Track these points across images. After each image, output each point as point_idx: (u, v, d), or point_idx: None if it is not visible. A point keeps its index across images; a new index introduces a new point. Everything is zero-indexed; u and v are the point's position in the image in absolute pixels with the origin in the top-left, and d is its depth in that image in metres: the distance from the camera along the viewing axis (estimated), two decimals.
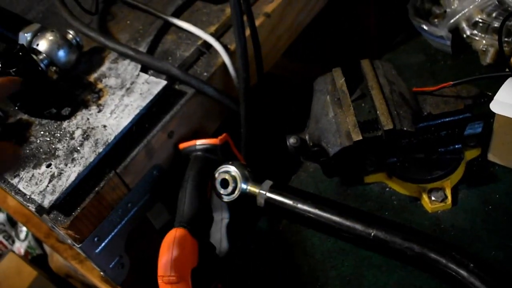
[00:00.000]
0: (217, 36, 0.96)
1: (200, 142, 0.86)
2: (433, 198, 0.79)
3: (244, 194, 0.82)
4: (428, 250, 0.70)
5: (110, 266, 0.85)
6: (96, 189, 0.79)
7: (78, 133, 0.84)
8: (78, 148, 0.82)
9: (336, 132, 0.71)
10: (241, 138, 0.92)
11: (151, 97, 0.85)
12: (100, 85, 0.91)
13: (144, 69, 0.92)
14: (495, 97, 0.69)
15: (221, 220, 0.88)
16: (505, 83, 0.69)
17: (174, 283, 0.74)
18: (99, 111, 0.86)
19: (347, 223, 0.74)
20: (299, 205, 0.78)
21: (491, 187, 0.79)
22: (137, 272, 0.91)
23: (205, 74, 0.91)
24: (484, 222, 0.76)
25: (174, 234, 0.77)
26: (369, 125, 0.75)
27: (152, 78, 0.89)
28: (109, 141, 0.82)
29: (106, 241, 0.83)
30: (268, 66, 1.02)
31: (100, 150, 0.81)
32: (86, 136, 0.83)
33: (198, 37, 0.95)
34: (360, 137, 0.69)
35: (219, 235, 0.87)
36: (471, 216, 0.77)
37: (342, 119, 0.72)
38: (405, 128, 0.69)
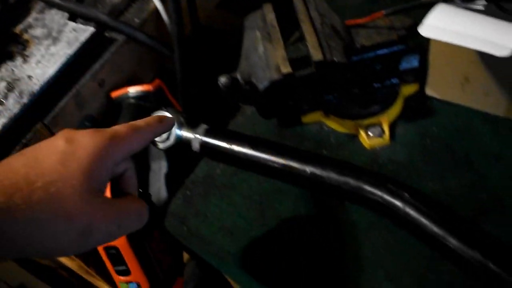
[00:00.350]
0: None
1: (132, 89, 0.84)
2: (370, 134, 0.77)
3: (180, 140, 0.80)
4: (363, 183, 0.68)
5: None
6: (23, 141, 0.76)
7: (1, 85, 0.80)
8: (2, 100, 0.78)
9: (265, 66, 0.69)
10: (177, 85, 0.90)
11: (78, 45, 0.82)
12: (26, 36, 0.87)
13: (73, 18, 0.88)
14: (424, 22, 0.67)
15: (159, 169, 0.86)
16: (435, 7, 0.67)
17: None
18: (25, 62, 0.83)
19: (283, 161, 0.73)
20: (235, 147, 0.76)
21: (429, 121, 0.78)
22: None
23: (136, 20, 0.88)
24: (421, 155, 0.75)
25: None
26: (302, 61, 0.73)
27: (80, 26, 0.85)
28: (35, 91, 0.78)
29: None
30: (204, 15, 0.99)
31: (25, 100, 0.77)
32: (10, 87, 0.79)
33: None
34: (289, 69, 0.67)
35: (158, 184, 0.85)
36: (409, 150, 0.76)
37: (272, 53, 0.69)
38: (336, 60, 0.67)
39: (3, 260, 0.43)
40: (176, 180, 0.84)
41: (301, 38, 0.82)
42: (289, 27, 0.77)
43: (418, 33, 0.73)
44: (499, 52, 0.62)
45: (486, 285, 0.61)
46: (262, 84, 0.69)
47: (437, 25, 0.66)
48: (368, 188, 0.68)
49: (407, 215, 0.66)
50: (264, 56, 0.70)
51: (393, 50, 0.73)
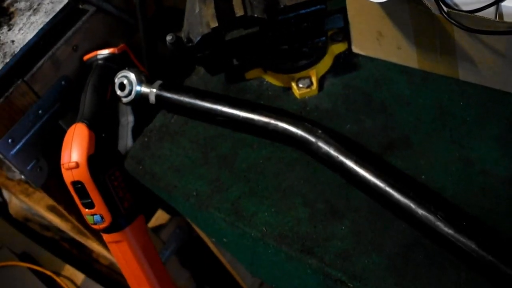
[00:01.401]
0: None
1: (101, 52, 0.97)
2: (300, 85, 0.88)
3: (140, 95, 0.93)
4: (283, 122, 0.80)
5: (28, 168, 0.96)
6: (6, 94, 0.90)
7: None
8: None
9: (199, 23, 0.81)
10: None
11: (53, 14, 0.96)
12: (12, 9, 1.01)
13: None
14: None
15: (127, 124, 0.99)
16: None
17: (73, 168, 0.85)
18: (9, 29, 0.97)
19: (221, 108, 0.85)
20: (184, 99, 0.88)
21: (353, 74, 0.89)
22: (58, 177, 1.01)
23: None
24: (344, 103, 0.86)
25: (73, 128, 0.88)
26: (235, 22, 0.85)
27: None
28: (16, 52, 0.92)
29: (20, 143, 0.93)
30: None
31: (7, 60, 0.91)
32: None
33: None
34: (216, 24, 0.78)
35: (125, 136, 0.98)
36: (333, 99, 0.87)
37: (205, 12, 0.81)
38: (256, 15, 0.78)
39: None
40: (140, 132, 0.97)
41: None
42: None
43: None
44: None
45: (388, 208, 0.72)
46: (196, 39, 0.81)
47: None
48: (287, 126, 0.80)
49: (319, 148, 0.77)
50: (199, 15, 0.82)
51: (313, 9, 0.84)
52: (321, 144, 0.77)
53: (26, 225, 1.72)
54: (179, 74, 1.01)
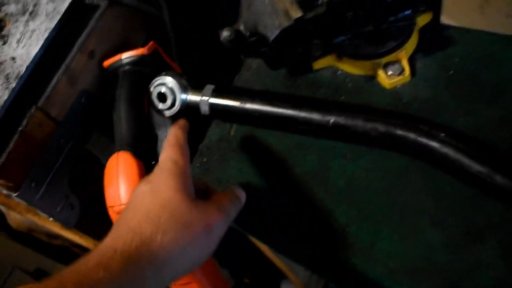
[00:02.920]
0: None
1: (126, 55, 0.77)
2: (389, 73, 0.72)
3: (186, 104, 0.74)
4: (394, 127, 0.64)
5: (58, 210, 0.78)
6: (20, 128, 0.70)
7: None
8: None
9: (272, 13, 0.63)
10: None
11: (59, 16, 0.75)
12: (0, 15, 0.79)
13: None
14: None
15: (166, 137, 0.80)
16: None
17: None
18: (4, 43, 0.75)
19: (302, 114, 0.68)
20: (248, 105, 0.70)
21: (449, 51, 0.73)
22: (91, 212, 0.84)
23: None
24: (447, 89, 0.71)
25: (116, 159, 0.70)
26: (310, 1, 0.67)
27: None
28: (21, 73, 0.71)
29: (45, 184, 0.75)
30: None
31: (14, 85, 0.71)
32: None
33: None
34: (300, 13, 0.61)
35: None
36: (432, 85, 0.71)
37: None
38: None
39: None
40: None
41: None
42: None
43: None
44: None
45: None
46: (272, 34, 0.63)
47: None
48: (399, 132, 0.64)
49: (445, 156, 0.62)
50: (269, 1, 0.64)
51: None
52: (447, 151, 0.62)
53: (31, 237, 1.54)
54: (219, 69, 0.83)
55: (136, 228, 0.48)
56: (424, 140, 0.63)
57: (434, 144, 0.62)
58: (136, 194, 0.54)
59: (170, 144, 0.60)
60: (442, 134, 0.62)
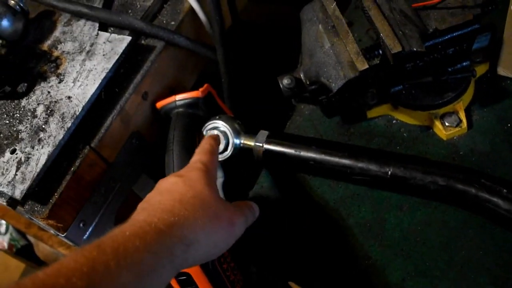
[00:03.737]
0: None
1: (180, 97, 0.77)
2: (447, 124, 0.71)
3: (238, 149, 0.74)
4: (454, 182, 0.63)
5: None
6: (72, 169, 0.70)
7: (40, 109, 0.74)
8: (43, 126, 0.71)
9: (336, 64, 0.63)
10: (223, 89, 0.83)
11: (116, 57, 0.75)
12: (56, 53, 0.80)
13: (104, 27, 0.81)
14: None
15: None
16: None
17: None
18: (60, 81, 0.76)
19: (360, 164, 0.67)
20: (303, 153, 0.70)
21: (506, 103, 0.72)
22: None
23: (172, 23, 0.81)
24: (505, 142, 0.69)
25: None
26: (370, 51, 0.67)
27: (114, 36, 0.78)
28: (77, 113, 0.71)
29: (93, 224, 0.74)
30: (239, 7, 0.92)
31: (69, 125, 0.71)
32: (50, 111, 0.73)
33: None
34: (366, 66, 0.60)
35: None
36: (490, 138, 0.70)
37: (342, 49, 0.63)
38: (414, 49, 0.61)
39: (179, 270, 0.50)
40: (233, 189, 0.78)
41: (349, 24, 0.76)
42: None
43: (491, 9, 0.66)
44: None
45: None
46: (336, 84, 0.62)
47: None
48: (460, 186, 0.63)
49: (508, 212, 0.60)
50: (333, 52, 0.63)
51: (467, 31, 0.66)
52: (510, 207, 0.60)
53: None
54: (272, 113, 0.82)
55: (170, 208, 0.51)
56: (486, 195, 0.61)
57: (496, 200, 0.61)
58: (167, 182, 0.57)
59: (202, 150, 0.64)
60: (505, 190, 0.61)
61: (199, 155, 0.63)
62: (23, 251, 1.65)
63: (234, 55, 0.81)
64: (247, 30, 0.90)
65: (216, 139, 0.69)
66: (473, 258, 0.63)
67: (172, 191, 0.55)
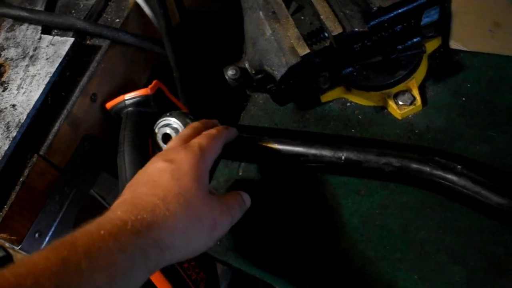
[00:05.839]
0: None
1: (129, 96, 0.75)
2: (400, 103, 0.70)
3: None
4: (408, 161, 0.62)
5: None
6: (21, 179, 0.68)
7: None
8: None
9: (278, 50, 0.61)
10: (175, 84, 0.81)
11: (59, 60, 0.73)
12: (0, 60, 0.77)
13: (47, 30, 0.79)
14: None
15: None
16: None
17: None
18: (4, 89, 0.74)
19: (313, 151, 0.65)
20: (258, 143, 0.68)
21: (460, 76, 0.71)
22: None
23: (117, 20, 0.79)
24: (460, 116, 0.68)
25: None
26: (315, 35, 0.65)
27: (57, 38, 0.76)
28: (22, 121, 0.70)
29: (49, 234, 0.73)
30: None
31: (14, 134, 0.69)
32: None
33: None
34: (307, 50, 0.59)
35: None
36: (445, 113, 0.69)
37: (283, 35, 0.61)
38: (356, 29, 0.59)
39: (153, 272, 0.49)
40: None
41: (300, 8, 0.75)
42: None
43: None
44: None
45: None
46: (278, 72, 0.61)
47: None
48: (414, 166, 0.61)
49: (464, 188, 0.59)
50: (274, 38, 0.62)
51: (414, 6, 0.65)
52: (465, 183, 0.59)
53: None
54: (225, 106, 0.81)
55: (151, 207, 0.49)
56: (440, 173, 0.60)
57: (451, 177, 0.60)
58: (155, 168, 0.55)
59: (208, 133, 0.60)
60: (459, 167, 0.60)
61: (202, 137, 0.59)
62: (3, 262, 1.63)
63: (186, 48, 0.79)
64: (199, 21, 0.88)
65: (228, 129, 0.65)
66: (432, 238, 0.62)
67: (157, 184, 0.52)
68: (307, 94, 0.72)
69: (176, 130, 0.72)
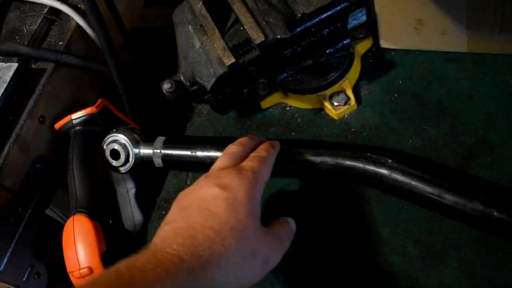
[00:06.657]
0: None
1: (75, 116, 0.77)
2: (336, 103, 0.72)
3: (140, 159, 0.74)
4: (342, 159, 0.64)
5: (23, 279, 0.76)
6: None
7: None
8: None
9: (207, 62, 0.63)
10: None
11: (4, 86, 0.75)
12: None
13: None
14: None
15: (127, 192, 0.80)
16: None
17: (87, 275, 0.67)
18: None
19: None
20: (198, 153, 0.70)
21: (392, 74, 0.74)
22: (62, 275, 0.83)
23: (60, 43, 0.82)
24: (393, 113, 0.71)
25: (71, 223, 0.70)
26: (245, 45, 0.68)
27: (1, 64, 0.78)
28: None
29: (7, 256, 0.74)
30: (134, 17, 0.92)
31: None
32: None
33: (43, 5, 0.84)
34: (233, 60, 0.61)
35: (129, 208, 0.79)
36: (379, 110, 0.72)
37: (210, 47, 0.64)
38: (279, 36, 0.62)
39: None
40: (147, 199, 0.79)
41: (238, 19, 0.77)
42: (221, 12, 0.72)
43: None
44: None
45: (495, 234, 0.58)
46: (208, 82, 0.63)
47: None
48: (347, 163, 0.64)
49: (395, 181, 0.62)
50: (203, 50, 0.64)
51: (337, 10, 0.68)
52: (396, 176, 0.62)
53: None
54: (170, 117, 0.83)
55: (208, 243, 0.47)
56: (372, 168, 0.63)
57: (383, 171, 0.62)
58: (207, 192, 0.52)
59: (259, 156, 0.58)
60: (390, 160, 0.62)
61: (252, 161, 0.56)
62: None
63: (130, 65, 0.82)
64: (142, 38, 0.90)
65: (275, 147, 0.62)
66: (372, 231, 0.65)
67: (213, 215, 0.49)
68: (247, 102, 0.74)
69: (123, 145, 0.74)
